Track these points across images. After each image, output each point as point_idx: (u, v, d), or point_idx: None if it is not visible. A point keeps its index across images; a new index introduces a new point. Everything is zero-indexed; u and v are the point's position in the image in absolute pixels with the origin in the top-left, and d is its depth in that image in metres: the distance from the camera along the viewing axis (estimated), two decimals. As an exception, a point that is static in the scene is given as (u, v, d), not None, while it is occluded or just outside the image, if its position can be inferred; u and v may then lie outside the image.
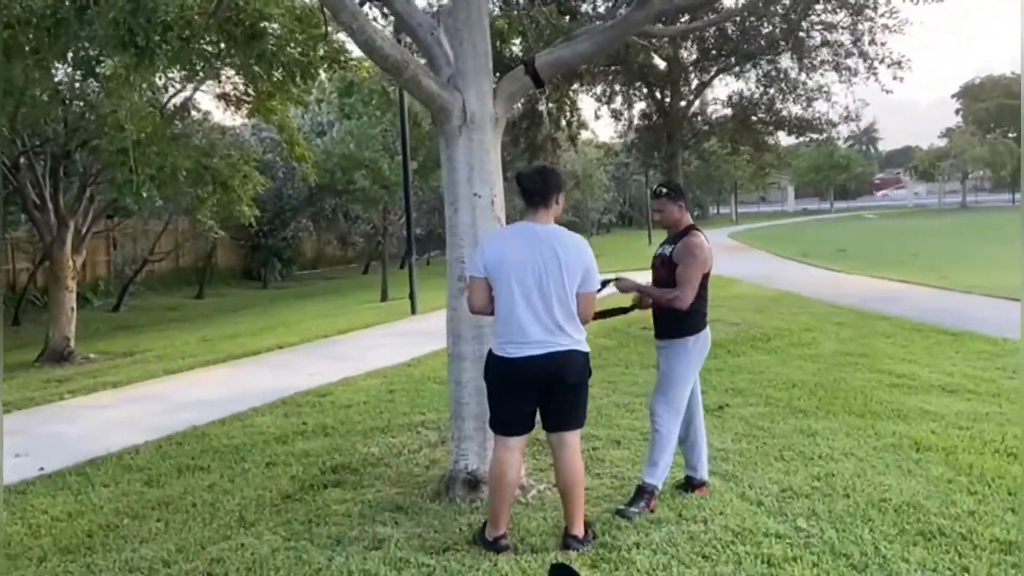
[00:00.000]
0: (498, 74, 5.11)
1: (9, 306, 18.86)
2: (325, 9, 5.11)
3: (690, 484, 4.75)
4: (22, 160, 12.20)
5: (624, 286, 4.64)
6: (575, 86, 11.33)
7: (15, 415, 8.02)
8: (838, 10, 9.39)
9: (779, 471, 5.02)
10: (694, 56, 10.70)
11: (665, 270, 4.57)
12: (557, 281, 3.83)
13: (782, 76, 10.51)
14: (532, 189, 3.95)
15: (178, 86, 12.12)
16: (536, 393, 3.92)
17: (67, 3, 5.37)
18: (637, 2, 4.54)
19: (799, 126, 11.14)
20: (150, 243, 22.08)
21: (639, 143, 12.15)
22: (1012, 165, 56.88)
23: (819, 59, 10.00)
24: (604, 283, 4.58)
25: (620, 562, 3.79)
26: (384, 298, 19.20)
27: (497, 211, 4.78)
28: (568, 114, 11.66)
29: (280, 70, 10.39)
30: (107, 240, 22.17)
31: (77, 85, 9.97)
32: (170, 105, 12.40)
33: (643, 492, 4.47)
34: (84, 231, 13.01)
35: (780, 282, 17.27)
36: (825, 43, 9.81)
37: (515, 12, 7.22)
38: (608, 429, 6.12)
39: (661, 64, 10.47)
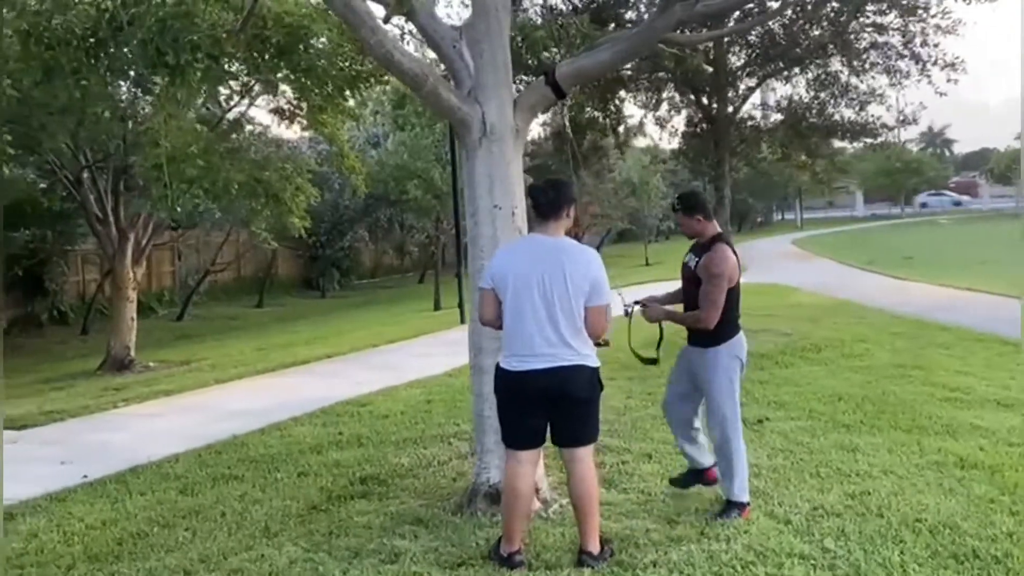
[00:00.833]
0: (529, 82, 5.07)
1: (78, 316, 19.56)
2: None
3: (699, 477, 4.74)
4: (85, 175, 12.62)
5: (651, 314, 4.60)
6: (621, 93, 11.26)
7: (68, 423, 8.27)
8: (888, 11, 9.12)
9: (812, 488, 4.87)
10: (741, 61, 10.51)
11: (692, 284, 4.52)
12: (563, 295, 3.79)
13: (832, 80, 10.25)
14: (543, 201, 3.92)
15: (232, 102, 12.38)
16: (543, 407, 3.88)
17: (103, 24, 5.54)
18: (658, 9, 4.48)
19: (852, 131, 10.84)
20: (212, 254, 22.65)
21: (687, 150, 11.99)
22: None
23: (869, 62, 9.73)
24: (629, 311, 4.56)
25: (633, 581, 3.73)
26: (437, 307, 19.32)
27: (518, 222, 4.75)
28: (615, 122, 11.58)
29: (327, 85, 10.61)
30: (172, 251, 22.80)
31: (134, 102, 10.27)
32: (225, 120, 12.65)
33: (733, 505, 4.50)
34: (144, 243, 13.39)
35: (840, 290, 16.83)
36: (874, 45, 9.54)
37: (550, 22, 7.18)
38: (641, 442, 6.03)
39: (708, 69, 10.31)
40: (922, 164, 71.54)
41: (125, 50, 6.01)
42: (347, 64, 10.05)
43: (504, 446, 4.12)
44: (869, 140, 11.30)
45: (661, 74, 10.71)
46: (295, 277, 27.50)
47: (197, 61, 5.53)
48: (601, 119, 11.43)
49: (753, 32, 10.27)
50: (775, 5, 8.46)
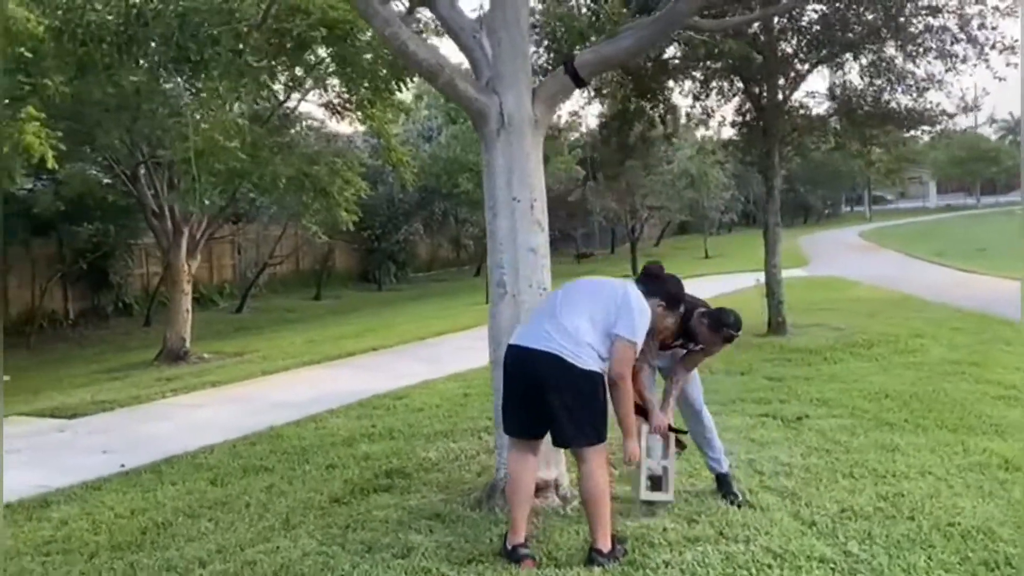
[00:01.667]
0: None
1: (142, 308, 20.12)
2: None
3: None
4: (142, 171, 12.94)
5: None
6: (669, 83, 11.04)
7: (117, 412, 8.50)
8: (944, -7, 8.72)
9: (844, 489, 4.68)
10: (791, 48, 10.18)
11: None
12: (583, 305, 3.89)
13: (888, 66, 9.85)
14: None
15: (281, 96, 12.53)
16: (525, 393, 3.88)
17: (132, 20, 5.63)
18: (679, -6, 4.34)
19: (910, 118, 10.41)
20: (271, 248, 23.04)
21: (737, 140, 11.68)
22: None
23: (923, 46, 9.32)
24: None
25: (644, 581, 3.63)
26: (488, 300, 19.31)
27: (537, 215, 4.67)
28: (663, 112, 11.36)
29: (372, 78, 10.66)
30: (232, 245, 23.29)
31: (178, 96, 10.45)
32: (275, 115, 12.81)
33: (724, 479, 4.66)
34: (199, 237, 13.68)
35: (904, 284, 16.28)
36: (929, 28, 9.14)
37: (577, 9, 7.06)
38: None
39: (757, 57, 10.03)
40: (1000, 153, 68.86)
41: (152, 44, 6.13)
42: (392, 57, 10.08)
43: None
44: (927, 128, 10.85)
45: (709, 63, 10.47)
46: (352, 270, 27.81)
47: (220, 55, 5.61)
48: (648, 110, 11.22)
49: (804, 17, 9.96)
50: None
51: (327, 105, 13.94)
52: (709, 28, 5.86)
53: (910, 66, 9.78)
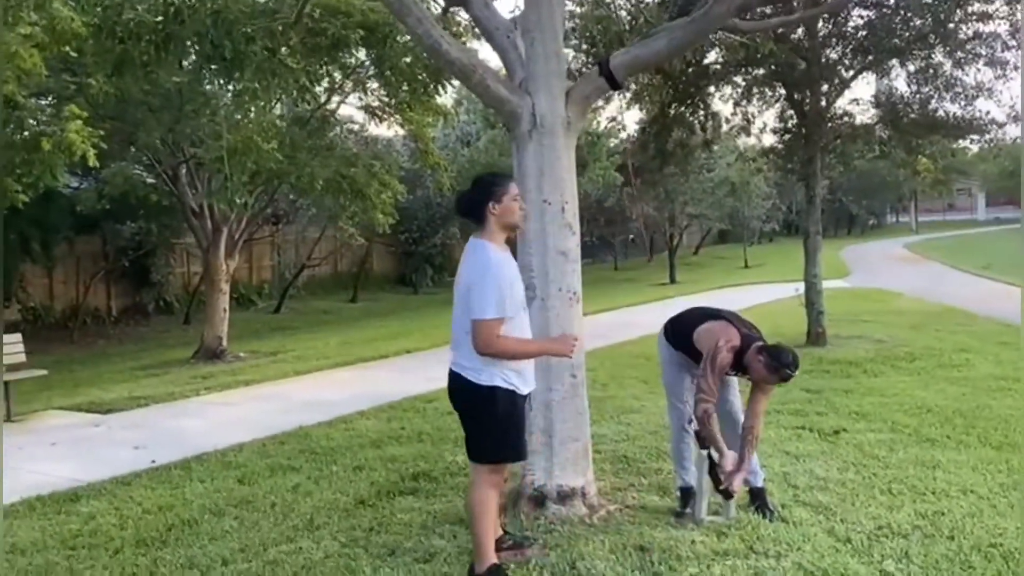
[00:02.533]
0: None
1: (183, 306, 20.37)
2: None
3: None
4: (183, 170, 13.08)
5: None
6: (710, 88, 10.89)
7: (151, 408, 8.58)
8: (994, -1, 8.48)
9: (881, 506, 4.54)
10: (836, 54, 9.99)
11: None
12: (458, 300, 3.68)
13: (936, 73, 9.61)
14: (462, 210, 3.82)
15: (323, 99, 12.61)
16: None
17: (169, 18, 5.68)
18: (716, -6, 4.24)
19: (958, 127, 10.15)
20: (309, 249, 23.20)
21: (779, 147, 11.48)
22: None
23: (972, 53, 9.07)
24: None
25: (668, 596, 3.53)
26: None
27: (568, 218, 4.60)
28: (703, 118, 11.21)
29: (411, 81, 10.70)
30: (271, 246, 23.48)
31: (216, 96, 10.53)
32: (314, 117, 12.88)
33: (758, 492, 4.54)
34: (237, 237, 13.78)
35: (948, 296, 15.93)
36: (978, 35, 8.89)
37: (615, 11, 6.97)
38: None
39: (801, 64, 9.86)
40: (1052, 165, 66.86)
41: (188, 43, 6.18)
42: (430, 60, 10.10)
43: (555, 448, 4.30)
44: (975, 137, 10.57)
45: (751, 68, 10.32)
46: (390, 273, 27.90)
47: (255, 53, 5.62)
48: (688, 115, 11.09)
49: (849, 23, 9.77)
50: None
51: (367, 108, 14.06)
52: (748, 29, 5.74)
53: (959, 73, 9.54)
